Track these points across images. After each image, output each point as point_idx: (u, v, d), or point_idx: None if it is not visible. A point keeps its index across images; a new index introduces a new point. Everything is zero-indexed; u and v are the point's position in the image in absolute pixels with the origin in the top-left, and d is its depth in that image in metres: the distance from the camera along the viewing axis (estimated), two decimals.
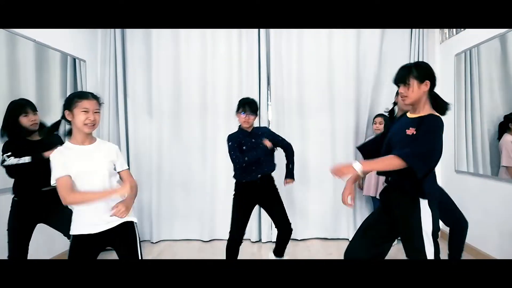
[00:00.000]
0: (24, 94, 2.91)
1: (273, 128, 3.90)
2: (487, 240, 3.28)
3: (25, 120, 2.36)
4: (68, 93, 3.47)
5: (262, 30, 4.06)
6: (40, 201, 2.37)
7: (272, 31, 4.05)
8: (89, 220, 1.83)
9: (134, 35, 4.10)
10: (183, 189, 4.18)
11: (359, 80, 4.04)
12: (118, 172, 1.97)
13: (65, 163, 1.77)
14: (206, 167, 4.14)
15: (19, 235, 2.35)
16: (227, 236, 2.95)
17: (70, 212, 1.88)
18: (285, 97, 4.07)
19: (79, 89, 3.69)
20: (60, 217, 2.33)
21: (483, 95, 3.31)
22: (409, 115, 1.94)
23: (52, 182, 1.77)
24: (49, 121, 3.17)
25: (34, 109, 2.42)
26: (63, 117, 1.85)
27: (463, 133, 3.60)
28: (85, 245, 1.84)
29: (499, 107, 3.09)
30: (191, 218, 4.20)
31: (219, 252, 3.75)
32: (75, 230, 1.85)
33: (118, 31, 4.04)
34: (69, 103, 1.81)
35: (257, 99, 3.78)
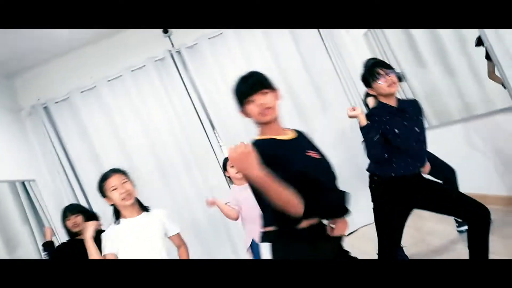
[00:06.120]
0: None
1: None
2: None
3: (68, 223, 2.62)
4: (30, 219, 3.44)
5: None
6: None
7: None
8: None
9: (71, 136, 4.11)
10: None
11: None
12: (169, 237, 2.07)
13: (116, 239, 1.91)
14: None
15: None
16: None
17: None
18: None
19: (39, 209, 3.63)
20: None
21: None
22: None
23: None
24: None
25: (73, 212, 2.64)
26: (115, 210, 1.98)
27: None
28: None
29: None
30: None
31: None
32: None
33: (53, 136, 4.02)
34: (101, 191, 1.95)
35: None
